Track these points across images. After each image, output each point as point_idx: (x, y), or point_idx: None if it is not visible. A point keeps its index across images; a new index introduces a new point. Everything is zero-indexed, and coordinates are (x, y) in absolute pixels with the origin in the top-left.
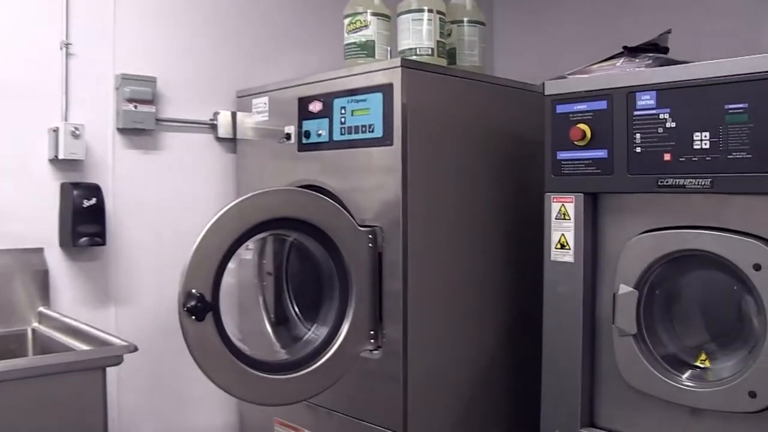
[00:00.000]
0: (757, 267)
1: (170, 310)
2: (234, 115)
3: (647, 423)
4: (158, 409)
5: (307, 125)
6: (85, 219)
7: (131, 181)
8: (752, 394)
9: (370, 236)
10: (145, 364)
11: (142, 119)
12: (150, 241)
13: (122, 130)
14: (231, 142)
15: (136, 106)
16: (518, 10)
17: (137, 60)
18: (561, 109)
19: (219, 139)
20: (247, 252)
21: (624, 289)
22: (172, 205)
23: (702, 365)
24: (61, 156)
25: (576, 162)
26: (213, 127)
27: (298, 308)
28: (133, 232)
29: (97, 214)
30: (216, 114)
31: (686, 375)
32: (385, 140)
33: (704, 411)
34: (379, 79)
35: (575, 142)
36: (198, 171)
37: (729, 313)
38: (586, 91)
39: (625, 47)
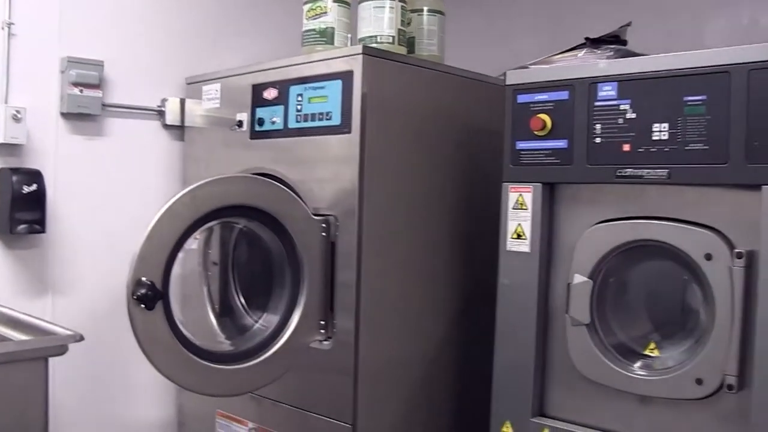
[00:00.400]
0: (708, 257)
1: (110, 300)
2: (183, 102)
3: (597, 412)
4: (94, 401)
5: (261, 112)
6: (24, 205)
7: (74, 167)
8: (699, 381)
9: (323, 225)
10: (80, 356)
11: (87, 104)
12: (92, 229)
13: (66, 115)
14: (179, 130)
15: (81, 90)
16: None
17: (84, 43)
18: (522, 99)
19: (166, 126)
20: (193, 242)
21: (578, 279)
22: (115, 193)
23: (651, 354)
24: (0, 140)
25: (535, 152)
26: (160, 113)
27: (244, 298)
28: (74, 219)
29: (38, 200)
30: (164, 100)
31: (636, 364)
32: (343, 128)
33: (653, 399)
34: (339, 66)
35: (535, 132)
36: (143, 158)
37: (678, 304)
38: (547, 81)
39: (587, 38)
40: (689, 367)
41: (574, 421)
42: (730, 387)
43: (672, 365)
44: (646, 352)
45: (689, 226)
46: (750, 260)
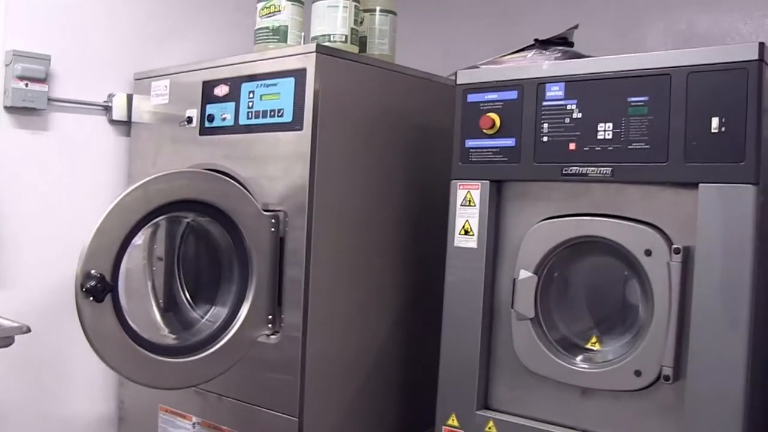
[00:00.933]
0: (648, 252)
1: (56, 293)
2: (130, 98)
3: (541, 404)
4: (35, 395)
5: (211, 109)
6: None
7: (19, 161)
8: (637, 373)
9: (273, 221)
10: (23, 350)
11: (33, 98)
12: (37, 223)
13: (10, 109)
14: (125, 125)
15: (27, 84)
16: (421, 2)
17: (30, 37)
18: (472, 98)
19: (113, 122)
20: (138, 237)
21: (524, 274)
22: (61, 187)
23: (593, 348)
24: None
25: (484, 150)
26: (107, 109)
27: (189, 293)
28: (19, 213)
29: None
30: (111, 96)
31: (578, 357)
32: (295, 125)
33: (594, 391)
34: (292, 64)
35: (484, 131)
36: (89, 153)
37: (618, 299)
38: (497, 81)
39: (536, 40)
40: (628, 360)
41: (519, 413)
42: (666, 378)
43: (612, 358)
44: (588, 346)
45: (631, 223)
46: (687, 256)
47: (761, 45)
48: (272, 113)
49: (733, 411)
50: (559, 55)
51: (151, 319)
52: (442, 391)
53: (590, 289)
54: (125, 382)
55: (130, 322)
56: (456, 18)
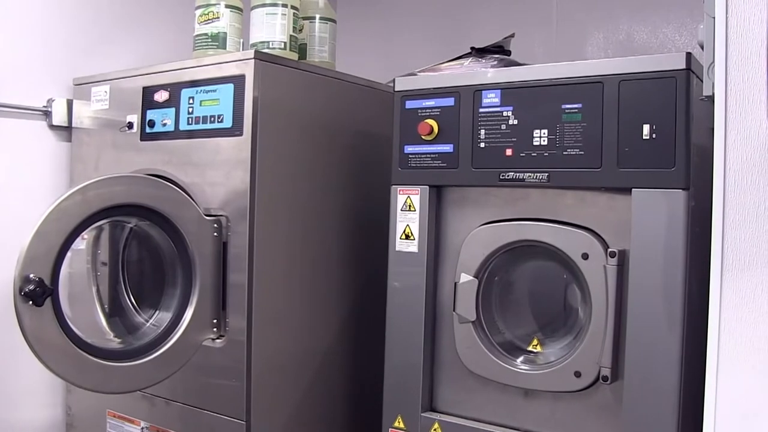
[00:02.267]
0: (585, 256)
1: None
2: (70, 103)
3: (484, 406)
4: None
5: (152, 114)
6: None
7: None
8: (577, 374)
9: (215, 225)
10: None
11: None
12: None
13: None
14: (66, 131)
15: None
16: (359, 11)
17: None
18: (410, 104)
19: (53, 127)
20: (81, 241)
21: (465, 277)
22: None
23: (534, 350)
24: None
25: (422, 156)
26: (46, 114)
27: (134, 297)
28: None
29: None
30: (50, 101)
31: (520, 359)
32: (235, 131)
33: (536, 392)
34: (231, 70)
35: (423, 137)
36: (29, 159)
37: (558, 302)
38: (434, 88)
39: (472, 48)
40: (569, 362)
41: (463, 415)
42: (605, 378)
43: (553, 360)
44: (530, 348)
45: (568, 227)
46: (622, 259)
47: (688, 55)
48: (212, 119)
49: (668, 409)
50: (495, 63)
51: (97, 324)
52: (387, 394)
53: (531, 292)
54: (72, 389)
55: (72, 327)
56: (395, 26)
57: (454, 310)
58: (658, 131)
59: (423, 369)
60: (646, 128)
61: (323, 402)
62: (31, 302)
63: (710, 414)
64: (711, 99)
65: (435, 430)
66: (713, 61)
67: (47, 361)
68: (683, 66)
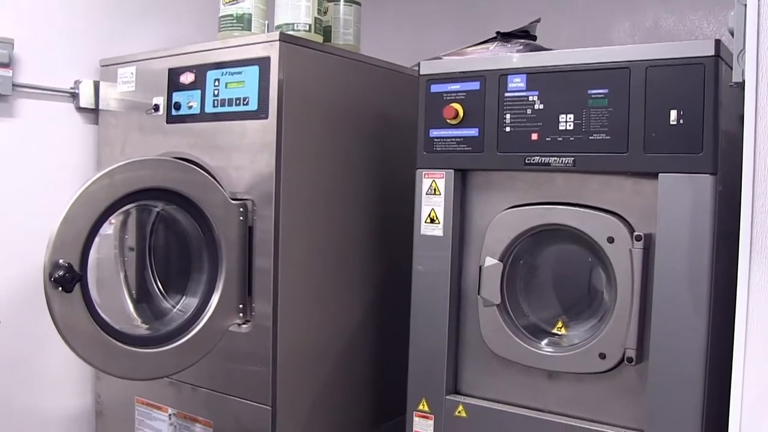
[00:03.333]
0: (610, 240)
1: (24, 285)
2: (97, 85)
3: (508, 388)
4: (7, 390)
5: (178, 97)
6: None
7: None
8: (602, 356)
9: (241, 209)
10: None
11: None
12: (3, 212)
13: None
14: (93, 113)
15: None
16: None
17: None
18: (435, 88)
19: (80, 109)
20: (108, 226)
21: (490, 261)
22: (27, 176)
23: (558, 332)
24: None
25: (448, 140)
26: (74, 96)
27: (161, 283)
28: None
29: None
30: (77, 82)
31: (544, 342)
32: (260, 113)
33: (560, 374)
34: (257, 52)
35: (448, 121)
36: (56, 141)
37: (583, 285)
38: (460, 72)
39: (498, 32)
40: (593, 343)
41: (487, 397)
42: (630, 360)
43: (578, 342)
44: (554, 331)
45: (593, 211)
46: (648, 242)
47: (717, 42)
48: (238, 101)
49: (693, 391)
50: (521, 47)
51: (124, 310)
52: (412, 377)
53: (556, 275)
54: (101, 376)
55: (101, 313)
56: (420, 9)
57: (478, 294)
58: (686, 117)
59: (447, 352)
60: (673, 114)
61: (348, 386)
62: (60, 288)
63: (737, 397)
64: (741, 85)
65: (459, 412)
66: (744, 48)
67: (76, 348)
68: (712, 53)
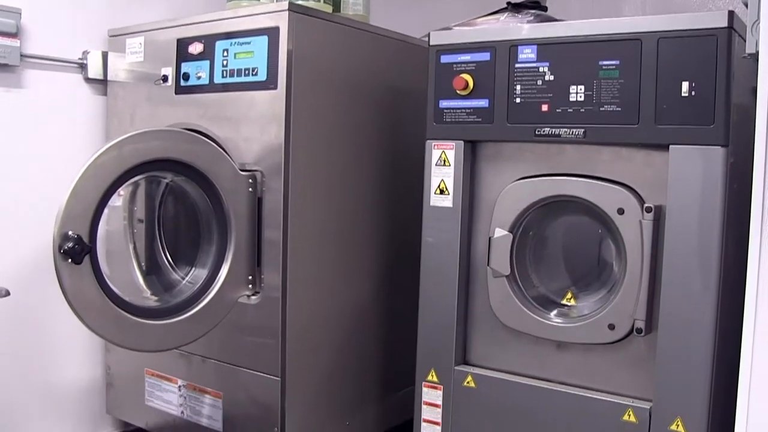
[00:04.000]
0: (620, 211)
1: (33, 256)
2: (105, 55)
3: (517, 358)
4: (17, 363)
5: (186, 67)
6: None
7: None
8: (611, 327)
9: (250, 180)
10: (2, 316)
11: (4, 54)
12: (11, 183)
13: None
14: (101, 84)
15: None
16: None
17: None
18: (445, 59)
19: (88, 80)
20: (117, 198)
21: (499, 232)
22: (36, 147)
23: (568, 303)
24: None
25: (457, 111)
26: (82, 66)
27: (171, 254)
28: None
29: None
30: (86, 53)
31: (553, 313)
32: (269, 84)
33: (569, 344)
34: (265, 22)
35: (458, 92)
36: (65, 112)
37: (593, 256)
38: (470, 43)
39: (508, 2)
40: (602, 315)
41: (496, 367)
42: (639, 330)
43: (587, 313)
44: (564, 302)
45: (603, 183)
46: (658, 214)
47: (731, 13)
48: (247, 72)
49: (702, 362)
50: (532, 18)
51: (134, 282)
52: (421, 349)
53: (565, 247)
54: (111, 348)
55: (110, 284)
56: None
57: (488, 265)
58: (698, 89)
59: (456, 323)
60: (685, 86)
61: (357, 357)
62: (70, 260)
63: (746, 369)
64: (754, 57)
65: (468, 382)
66: (758, 19)
67: (86, 320)
68: (725, 24)
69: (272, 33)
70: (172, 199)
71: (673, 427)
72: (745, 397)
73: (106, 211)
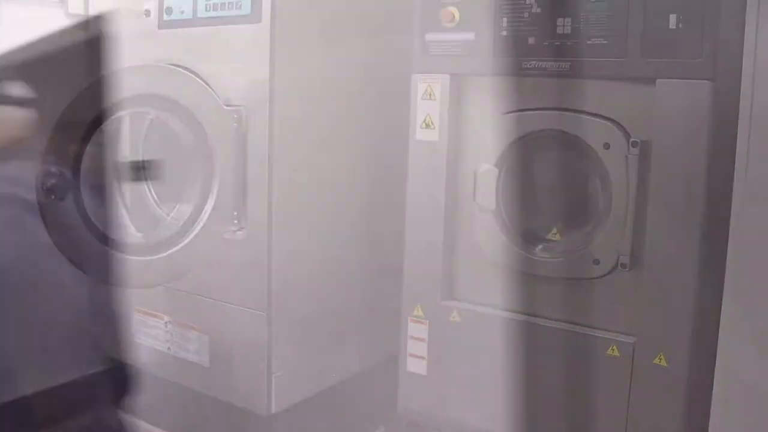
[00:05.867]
0: (606, 146)
1: None
2: None
3: (503, 294)
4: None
5: (169, 1)
6: None
7: None
8: (596, 262)
9: (235, 116)
10: None
11: None
12: None
13: None
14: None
15: None
16: None
17: None
18: None
19: (70, 16)
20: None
21: (485, 167)
22: None
23: (553, 239)
24: None
25: (444, 44)
26: (62, 1)
27: (155, 191)
28: None
29: None
30: None
31: (539, 248)
32: (253, 17)
33: (555, 279)
34: None
35: (444, 24)
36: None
37: (579, 191)
38: None
39: None
40: (587, 249)
41: (482, 302)
42: (623, 265)
43: (572, 248)
44: (549, 237)
45: (590, 117)
46: (644, 149)
47: None
48: (230, 5)
49: (686, 297)
50: None
51: (119, 219)
52: (407, 284)
53: (551, 182)
54: None
55: (94, 221)
56: None
57: (473, 199)
58: (685, 21)
59: (443, 258)
60: (672, 18)
61: (342, 293)
62: (53, 196)
63: (729, 302)
64: None
65: (454, 318)
66: None
67: (69, 256)
68: None
69: None
70: (156, 136)
71: (656, 361)
72: (726, 332)
73: (89, 148)
